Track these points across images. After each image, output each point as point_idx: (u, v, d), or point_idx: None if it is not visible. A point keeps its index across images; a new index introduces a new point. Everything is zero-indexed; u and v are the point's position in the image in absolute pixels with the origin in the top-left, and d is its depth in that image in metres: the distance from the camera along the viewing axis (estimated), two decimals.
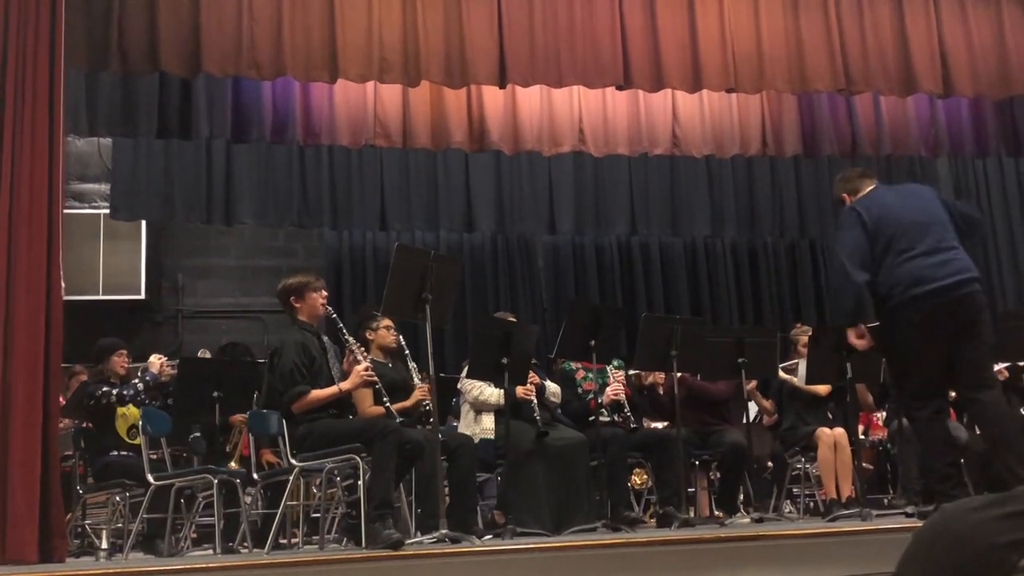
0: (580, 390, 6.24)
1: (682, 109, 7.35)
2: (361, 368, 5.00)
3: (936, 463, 4.63)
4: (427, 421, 5.54)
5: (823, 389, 6.30)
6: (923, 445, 4.82)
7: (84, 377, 6.79)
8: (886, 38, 6.73)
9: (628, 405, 6.19)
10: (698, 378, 6.43)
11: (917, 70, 6.68)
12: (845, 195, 5.05)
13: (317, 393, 4.89)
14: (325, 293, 5.31)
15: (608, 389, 6.07)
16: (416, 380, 5.76)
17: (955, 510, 1.06)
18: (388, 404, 5.05)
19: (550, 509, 5.47)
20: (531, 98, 7.02)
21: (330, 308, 5.22)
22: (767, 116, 7.43)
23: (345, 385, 4.97)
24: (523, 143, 7.08)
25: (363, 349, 5.27)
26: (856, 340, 4.80)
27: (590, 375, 6.16)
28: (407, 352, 5.90)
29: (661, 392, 6.49)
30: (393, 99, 6.78)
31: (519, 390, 5.64)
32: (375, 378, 5.04)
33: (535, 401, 5.71)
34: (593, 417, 5.84)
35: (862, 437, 6.44)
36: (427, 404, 5.56)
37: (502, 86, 6.36)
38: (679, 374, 6.04)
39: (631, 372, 6.54)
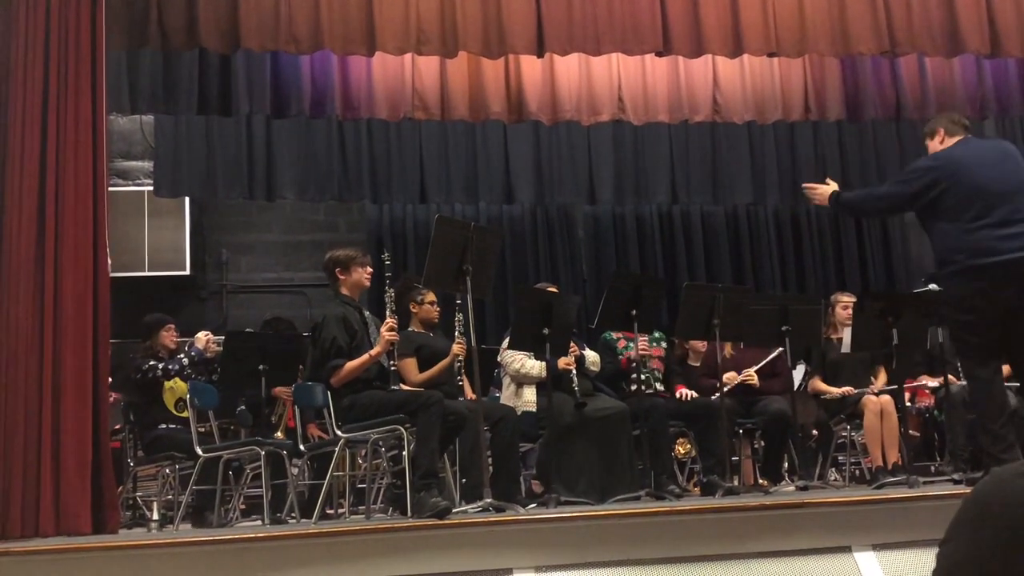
0: (622, 358, 6.24)
1: (723, 75, 7.26)
2: (386, 331, 5.00)
3: (991, 425, 4.59)
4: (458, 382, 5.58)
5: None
6: (979, 406, 4.78)
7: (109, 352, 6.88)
8: None
9: (663, 375, 6.20)
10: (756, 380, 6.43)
11: (963, 30, 6.52)
12: (942, 130, 4.95)
13: (351, 364, 4.95)
14: (370, 269, 5.34)
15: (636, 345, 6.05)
16: (456, 332, 5.78)
17: (1006, 474, 1.04)
18: (394, 366, 5.05)
19: (591, 480, 5.48)
20: (569, 67, 6.97)
21: (390, 291, 5.20)
22: (809, 80, 7.32)
23: (375, 351, 5.00)
24: (562, 113, 7.04)
25: (393, 311, 5.23)
26: (823, 194, 5.12)
27: (632, 344, 6.14)
28: (459, 303, 5.87)
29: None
30: (431, 71, 6.77)
31: (560, 362, 5.64)
32: (396, 336, 5.04)
33: (574, 372, 5.72)
34: (626, 379, 5.85)
35: (908, 404, 6.38)
36: (460, 361, 5.59)
37: (540, 55, 6.32)
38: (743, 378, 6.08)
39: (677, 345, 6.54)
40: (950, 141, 4.89)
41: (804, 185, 5.40)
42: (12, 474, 4.63)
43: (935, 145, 4.95)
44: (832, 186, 5.21)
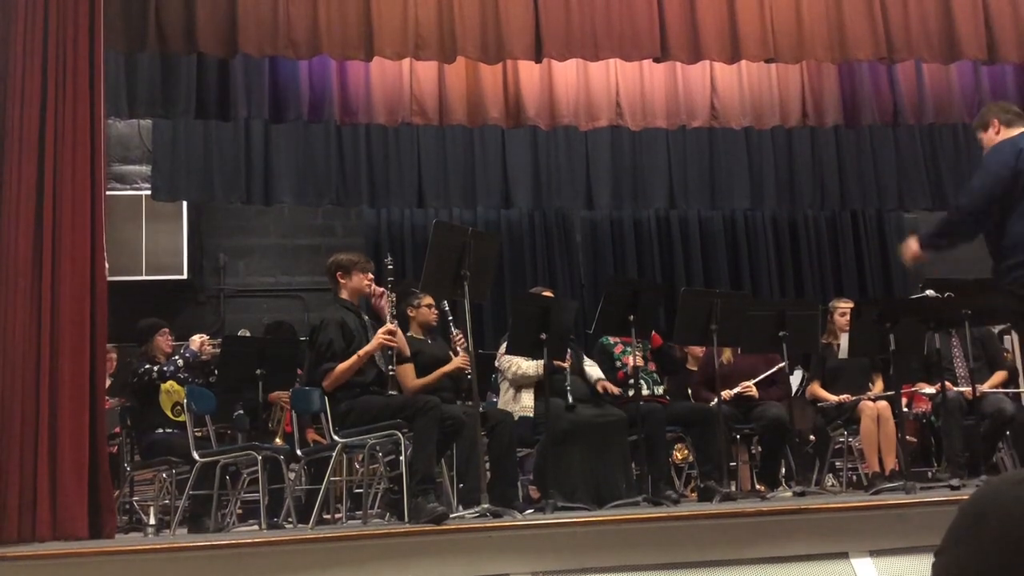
0: (619, 363, 6.24)
1: (720, 80, 7.27)
2: (383, 332, 5.01)
3: None
4: (467, 396, 5.58)
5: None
6: None
7: (114, 356, 6.89)
8: (929, 3, 6.58)
9: (659, 374, 6.21)
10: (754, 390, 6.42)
11: (961, 36, 6.54)
12: (996, 120, 4.80)
13: (341, 366, 4.94)
14: (371, 275, 5.35)
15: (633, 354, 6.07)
16: (457, 346, 5.80)
17: (1001, 483, 1.05)
18: (393, 371, 5.05)
19: (588, 486, 5.48)
20: (567, 72, 6.98)
21: (392, 295, 5.21)
22: (807, 86, 7.33)
23: (364, 350, 4.99)
24: (560, 118, 7.05)
25: (394, 315, 5.24)
26: (911, 248, 4.89)
27: (629, 349, 6.14)
28: (451, 318, 5.91)
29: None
30: (429, 76, 6.78)
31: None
32: (393, 342, 5.04)
33: (568, 372, 5.72)
34: (623, 390, 5.86)
35: (905, 410, 6.38)
36: (468, 373, 5.59)
37: (538, 61, 6.33)
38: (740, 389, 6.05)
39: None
40: (1008, 132, 4.76)
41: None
42: (9, 478, 4.62)
43: (991, 136, 4.81)
44: (911, 239, 5.06)
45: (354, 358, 4.96)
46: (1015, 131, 4.76)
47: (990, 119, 4.86)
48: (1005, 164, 4.62)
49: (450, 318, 5.96)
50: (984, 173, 4.76)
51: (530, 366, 5.77)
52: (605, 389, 5.87)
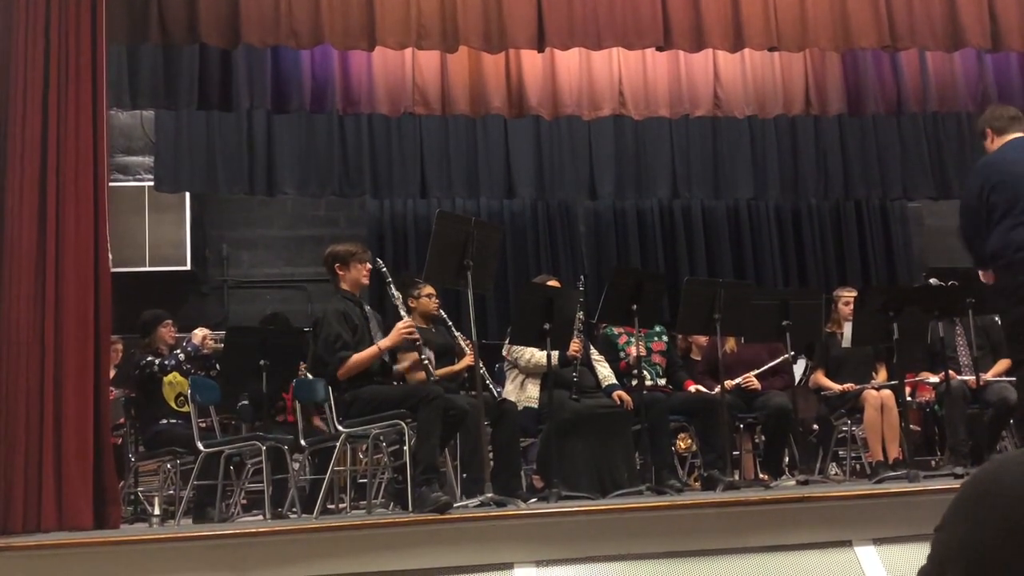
0: (623, 354, 6.24)
1: (723, 69, 7.25)
2: (402, 324, 5.02)
3: None
4: (470, 388, 5.59)
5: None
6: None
7: (120, 346, 6.90)
8: None
9: (666, 370, 6.20)
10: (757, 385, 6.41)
11: (964, 24, 6.52)
12: (989, 130, 4.84)
13: (357, 356, 4.94)
14: (370, 265, 5.35)
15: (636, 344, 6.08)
16: (464, 347, 5.81)
17: (1006, 461, 1.04)
18: (427, 362, 5.07)
19: (592, 475, 5.48)
20: (570, 61, 6.97)
21: (397, 294, 5.23)
22: (810, 74, 7.31)
23: (384, 343, 5.00)
24: (562, 107, 7.04)
25: (405, 308, 5.28)
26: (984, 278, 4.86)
27: (632, 340, 6.13)
28: (450, 324, 5.95)
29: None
30: (431, 66, 6.76)
31: (571, 346, 5.67)
32: (416, 335, 5.05)
33: (577, 362, 5.72)
34: (626, 379, 5.86)
35: (909, 399, 6.37)
36: (474, 371, 5.60)
37: (540, 50, 6.32)
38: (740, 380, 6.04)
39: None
40: (1000, 140, 4.78)
41: None
42: (14, 469, 4.64)
43: (988, 146, 4.87)
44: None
45: (374, 349, 4.97)
46: (1008, 137, 4.77)
47: (983, 129, 4.90)
48: (974, 189, 4.68)
49: (449, 323, 5.97)
50: (963, 203, 4.85)
51: (544, 355, 5.76)
52: (620, 399, 5.86)
